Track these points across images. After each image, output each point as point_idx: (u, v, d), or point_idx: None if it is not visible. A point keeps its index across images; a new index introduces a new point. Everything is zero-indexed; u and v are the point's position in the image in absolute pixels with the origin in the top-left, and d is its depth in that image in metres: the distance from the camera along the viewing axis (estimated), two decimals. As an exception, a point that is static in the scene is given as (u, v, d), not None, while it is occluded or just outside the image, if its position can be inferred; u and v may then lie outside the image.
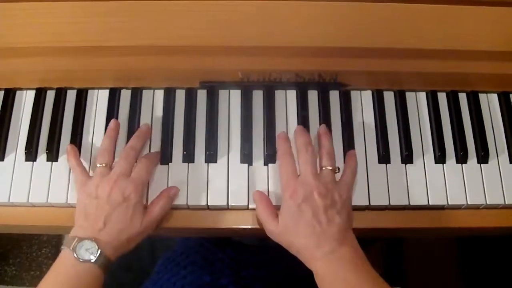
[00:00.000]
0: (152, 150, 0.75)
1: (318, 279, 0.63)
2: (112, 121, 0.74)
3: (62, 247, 0.64)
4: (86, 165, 0.73)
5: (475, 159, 0.75)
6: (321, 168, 0.68)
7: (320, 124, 0.75)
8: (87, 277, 0.63)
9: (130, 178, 0.67)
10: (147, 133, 0.74)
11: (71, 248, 0.63)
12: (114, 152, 0.72)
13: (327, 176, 0.67)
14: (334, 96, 0.78)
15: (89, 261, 0.62)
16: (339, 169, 0.70)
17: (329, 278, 0.62)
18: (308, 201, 0.64)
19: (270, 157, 0.73)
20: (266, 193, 0.71)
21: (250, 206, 0.71)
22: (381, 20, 0.72)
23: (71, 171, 0.72)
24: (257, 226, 0.71)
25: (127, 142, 0.73)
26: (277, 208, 0.68)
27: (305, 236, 0.63)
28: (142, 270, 0.92)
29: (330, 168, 0.68)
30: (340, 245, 0.62)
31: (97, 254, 0.63)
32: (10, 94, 0.77)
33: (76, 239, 0.63)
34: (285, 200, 0.65)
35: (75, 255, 0.62)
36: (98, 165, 0.69)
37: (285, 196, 0.66)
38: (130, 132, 0.75)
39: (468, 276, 1.23)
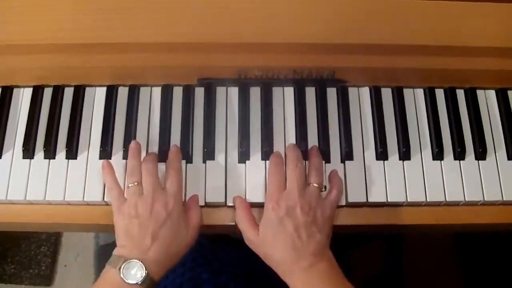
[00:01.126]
0: (150, 148, 0.74)
1: None
2: (133, 142, 0.72)
3: (106, 265, 0.63)
4: (83, 163, 0.73)
5: (473, 156, 0.75)
6: (308, 184, 0.68)
7: (318, 121, 0.75)
8: None
9: (168, 192, 0.67)
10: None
11: (117, 268, 0.62)
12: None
13: (312, 192, 0.67)
14: (332, 93, 0.78)
15: (135, 283, 0.61)
16: (325, 187, 0.70)
17: None
18: (290, 215, 0.64)
19: (267, 154, 0.73)
20: (264, 190, 0.71)
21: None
22: (379, 16, 0.72)
23: (105, 189, 0.71)
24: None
25: (124, 140, 0.74)
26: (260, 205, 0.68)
27: (284, 250, 0.63)
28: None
29: (317, 185, 0.68)
30: (319, 260, 0.63)
31: (144, 276, 0.61)
32: (7, 92, 0.77)
33: (123, 259, 0.62)
34: (267, 211, 0.66)
35: (122, 276, 0.61)
36: (130, 185, 0.68)
37: (268, 207, 0.66)
38: (127, 129, 0.75)
39: (468, 272, 1.24)
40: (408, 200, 0.72)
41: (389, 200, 0.72)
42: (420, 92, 0.78)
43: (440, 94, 0.78)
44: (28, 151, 0.73)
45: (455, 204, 0.73)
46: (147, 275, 0.62)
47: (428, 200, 0.72)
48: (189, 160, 0.73)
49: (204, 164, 0.73)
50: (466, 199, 0.72)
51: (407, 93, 0.78)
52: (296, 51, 0.73)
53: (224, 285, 0.79)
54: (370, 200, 0.71)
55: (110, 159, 0.73)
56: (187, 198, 0.71)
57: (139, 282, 0.61)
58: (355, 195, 0.71)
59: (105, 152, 0.73)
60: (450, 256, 1.27)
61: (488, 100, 0.79)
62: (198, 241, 0.86)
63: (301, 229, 0.63)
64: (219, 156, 0.73)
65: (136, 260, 0.62)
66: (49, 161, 0.73)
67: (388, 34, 0.72)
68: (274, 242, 0.64)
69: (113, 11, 0.71)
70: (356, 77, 0.77)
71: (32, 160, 0.73)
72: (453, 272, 1.25)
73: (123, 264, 0.62)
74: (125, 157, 0.73)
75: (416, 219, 0.73)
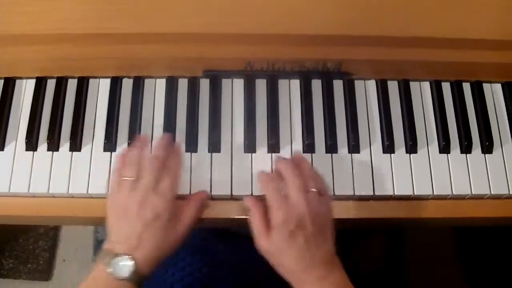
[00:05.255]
0: (154, 141, 0.73)
1: None
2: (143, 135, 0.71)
3: (97, 259, 0.62)
4: (87, 155, 0.72)
5: (479, 149, 0.75)
6: (307, 191, 0.66)
7: (324, 114, 0.75)
8: None
9: (160, 193, 0.64)
10: (170, 143, 0.70)
11: (105, 263, 0.61)
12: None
13: (313, 198, 0.65)
14: (338, 86, 0.77)
15: (124, 278, 0.60)
16: None
17: None
18: (301, 227, 0.62)
19: (273, 147, 0.73)
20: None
21: (254, 195, 0.70)
22: (386, 8, 0.72)
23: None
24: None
25: (129, 132, 0.73)
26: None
27: (295, 260, 0.62)
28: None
29: (315, 190, 0.66)
30: (330, 270, 0.62)
31: (132, 271, 0.60)
32: (10, 83, 0.76)
33: (112, 254, 0.61)
34: (278, 224, 0.63)
35: (110, 271, 0.60)
36: (124, 178, 0.64)
37: (278, 220, 0.63)
38: (132, 121, 0.74)
39: (469, 267, 1.24)
40: (415, 193, 0.71)
41: (395, 194, 0.71)
42: (426, 85, 0.78)
43: (446, 87, 0.78)
44: (31, 143, 0.72)
45: (462, 197, 0.73)
46: (136, 271, 0.61)
47: (434, 193, 0.72)
48: (194, 152, 0.73)
49: (209, 157, 0.72)
50: (473, 193, 0.72)
51: (414, 86, 0.78)
52: (302, 43, 0.72)
53: (225, 278, 0.78)
54: (377, 193, 0.71)
55: (115, 151, 0.72)
56: (192, 189, 0.70)
57: (128, 278, 0.60)
58: (362, 188, 0.71)
59: (110, 144, 0.72)
60: (452, 251, 1.27)
61: (494, 93, 0.79)
62: (199, 234, 0.86)
63: (311, 240, 0.62)
64: (225, 149, 0.73)
65: (125, 255, 0.61)
66: (53, 153, 0.72)
67: (395, 26, 0.71)
68: (285, 253, 0.63)
69: (118, 1, 0.70)
70: (362, 69, 0.76)
71: (35, 152, 0.72)
72: (454, 267, 1.25)
73: (111, 259, 0.61)
74: (129, 149, 0.72)
75: (422, 213, 0.73)
